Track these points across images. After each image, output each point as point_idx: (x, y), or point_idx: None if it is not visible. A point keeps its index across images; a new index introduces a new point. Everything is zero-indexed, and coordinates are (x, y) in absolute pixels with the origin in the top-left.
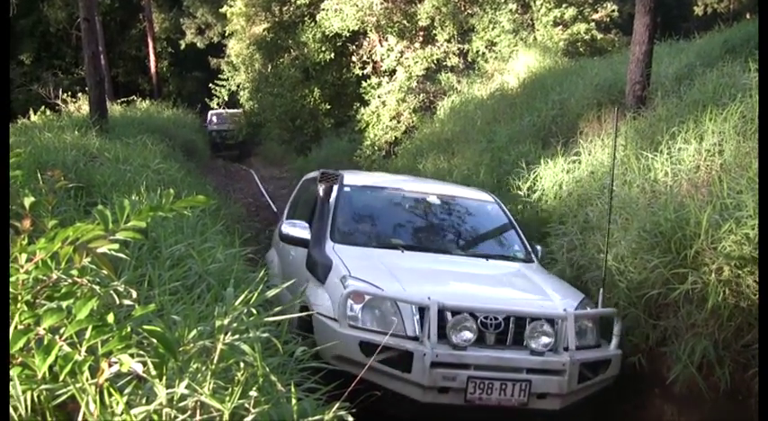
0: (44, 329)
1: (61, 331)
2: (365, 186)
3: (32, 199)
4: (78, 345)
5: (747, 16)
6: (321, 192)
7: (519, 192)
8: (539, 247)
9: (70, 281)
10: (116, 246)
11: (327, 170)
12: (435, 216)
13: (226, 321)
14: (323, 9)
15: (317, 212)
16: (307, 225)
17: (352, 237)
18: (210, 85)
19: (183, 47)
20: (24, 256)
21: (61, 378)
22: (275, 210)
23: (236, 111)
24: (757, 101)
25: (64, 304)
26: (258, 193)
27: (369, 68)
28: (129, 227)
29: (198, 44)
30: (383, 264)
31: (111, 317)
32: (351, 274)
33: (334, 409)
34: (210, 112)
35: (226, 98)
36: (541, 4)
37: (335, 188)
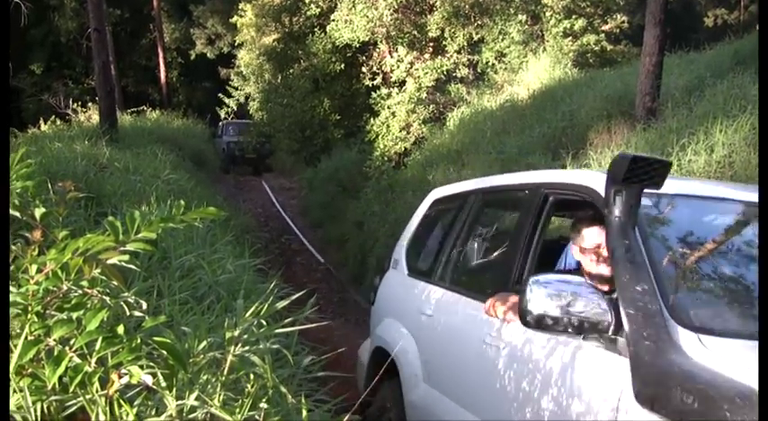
0: (54, 340)
1: (71, 342)
2: (686, 195)
3: (43, 210)
4: (88, 357)
5: (757, 27)
6: (617, 211)
7: None
8: None
9: (80, 292)
10: (126, 257)
11: (628, 154)
12: None
13: (236, 333)
14: (333, 20)
15: (603, 258)
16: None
17: (721, 320)
18: (220, 94)
19: (192, 57)
20: (35, 267)
21: (71, 389)
22: (288, 221)
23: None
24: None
25: (74, 315)
26: (268, 203)
27: (378, 79)
28: (140, 238)
29: (208, 54)
30: None
31: (121, 329)
32: None
33: None
34: (223, 122)
35: (235, 108)
36: (551, 16)
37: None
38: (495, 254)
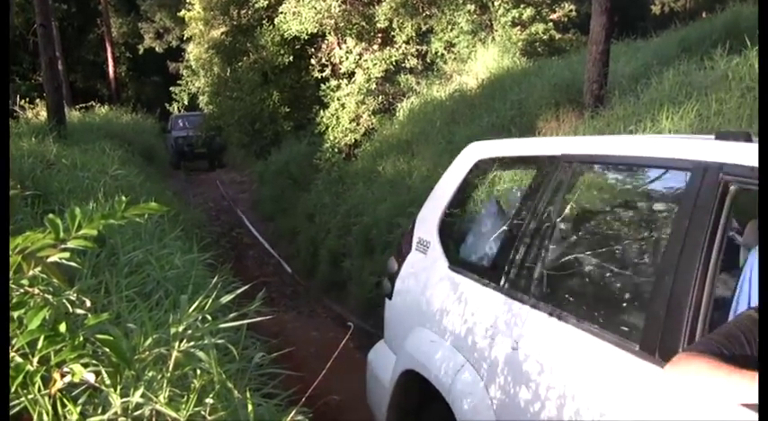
0: None
1: (13, 342)
2: None
3: None
4: (30, 356)
5: (703, 15)
6: None
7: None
8: None
9: (21, 291)
10: (67, 254)
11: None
12: None
13: (180, 328)
14: (281, 12)
15: None
16: None
17: None
18: (171, 88)
19: (141, 51)
20: None
21: (13, 389)
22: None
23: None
24: (714, 99)
25: (15, 314)
26: (219, 197)
27: (328, 71)
28: (81, 235)
29: (156, 49)
30: None
31: (63, 327)
32: None
33: (292, 415)
34: (174, 115)
35: (186, 102)
36: (499, 5)
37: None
38: (641, 274)
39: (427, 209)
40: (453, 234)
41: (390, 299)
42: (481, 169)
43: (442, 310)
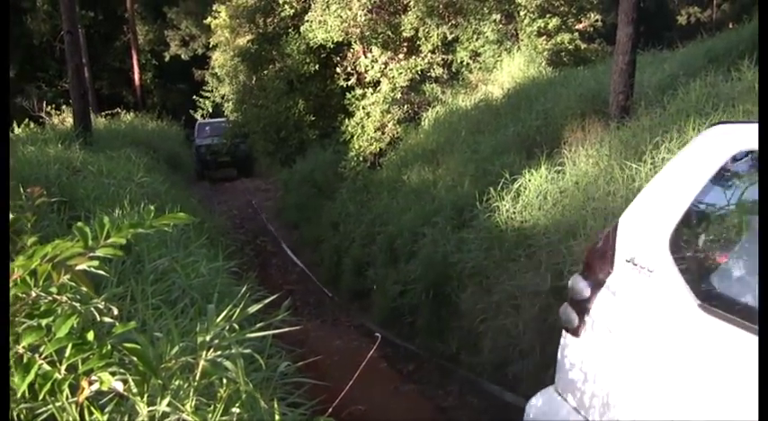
0: (23, 347)
1: (41, 349)
2: None
3: (12, 216)
4: (58, 364)
5: (730, 26)
6: None
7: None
8: None
9: (50, 298)
10: (96, 263)
11: None
12: None
13: (207, 337)
14: (307, 21)
15: None
16: None
17: None
18: (195, 96)
19: (167, 59)
20: None
21: (41, 396)
22: (264, 222)
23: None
24: (741, 110)
25: (43, 322)
26: (244, 205)
27: (353, 80)
28: (109, 243)
29: (182, 56)
30: None
31: (91, 335)
32: None
33: None
34: (199, 122)
35: (210, 110)
36: (525, 15)
37: None
38: None
39: (644, 213)
40: (701, 254)
41: (576, 335)
42: (750, 159)
43: (691, 374)
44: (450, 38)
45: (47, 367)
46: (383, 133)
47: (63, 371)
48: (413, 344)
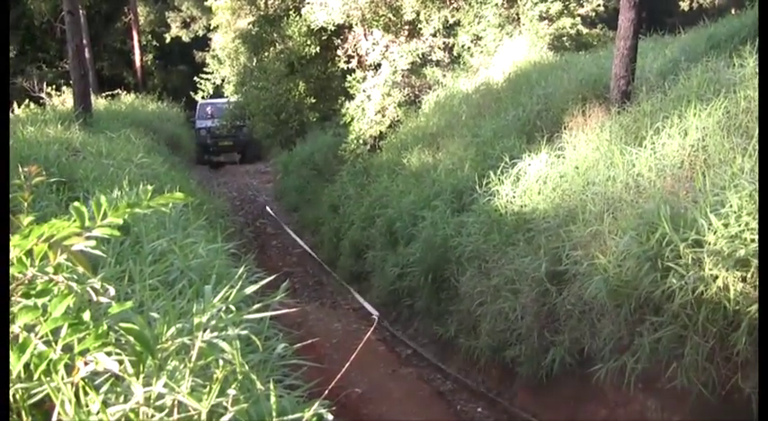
0: (19, 327)
1: (36, 329)
2: None
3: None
4: (54, 344)
5: (732, 11)
6: None
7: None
8: None
9: (46, 278)
10: (93, 242)
11: None
12: None
13: (204, 318)
14: (308, 3)
15: None
16: None
17: None
18: (196, 78)
19: (168, 40)
20: None
21: (36, 376)
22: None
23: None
24: (742, 96)
25: (39, 302)
26: (244, 187)
27: (354, 62)
28: (106, 224)
29: (183, 37)
30: None
31: (87, 315)
32: None
33: (314, 407)
34: (201, 103)
35: (211, 92)
36: None
37: None
38: None
39: None
40: None
41: None
42: None
43: None
44: (451, 21)
45: (42, 347)
46: (383, 116)
47: (59, 351)
48: (411, 328)
